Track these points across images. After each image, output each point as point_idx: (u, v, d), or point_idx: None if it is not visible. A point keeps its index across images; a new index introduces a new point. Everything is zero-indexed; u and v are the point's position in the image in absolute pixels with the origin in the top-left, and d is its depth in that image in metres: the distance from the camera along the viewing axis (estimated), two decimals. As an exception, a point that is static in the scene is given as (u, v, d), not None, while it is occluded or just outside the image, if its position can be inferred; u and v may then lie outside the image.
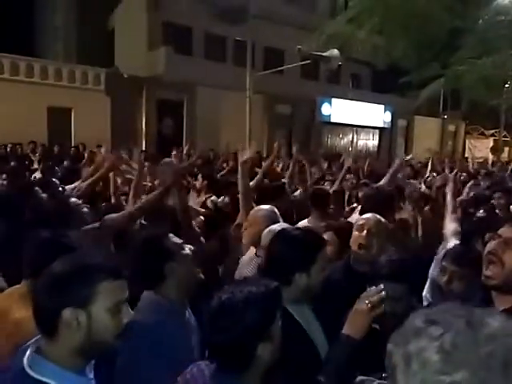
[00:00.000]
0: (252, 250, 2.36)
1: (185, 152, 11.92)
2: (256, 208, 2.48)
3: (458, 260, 1.89)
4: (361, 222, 2.16)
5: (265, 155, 14.84)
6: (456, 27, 3.90)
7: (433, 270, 2.51)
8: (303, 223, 3.37)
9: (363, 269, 1.99)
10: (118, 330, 1.12)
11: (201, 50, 15.13)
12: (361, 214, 3.07)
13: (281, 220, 2.33)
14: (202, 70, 13.54)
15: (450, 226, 2.67)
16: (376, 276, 1.68)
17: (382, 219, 2.20)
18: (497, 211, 4.06)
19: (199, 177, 5.14)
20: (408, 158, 4.64)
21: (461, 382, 0.47)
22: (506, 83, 5.08)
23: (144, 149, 12.58)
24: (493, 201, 4.33)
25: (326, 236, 2.34)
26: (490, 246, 1.32)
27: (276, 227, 2.00)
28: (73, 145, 11.31)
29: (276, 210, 2.37)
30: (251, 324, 1.10)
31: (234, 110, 13.75)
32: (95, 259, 1.15)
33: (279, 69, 13.81)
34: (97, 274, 1.10)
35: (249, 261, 2.32)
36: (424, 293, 2.38)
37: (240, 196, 2.99)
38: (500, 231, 1.33)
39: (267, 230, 2.06)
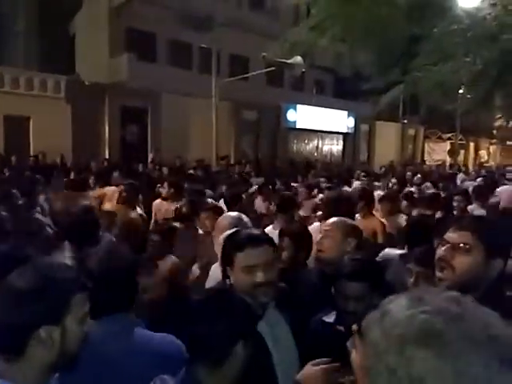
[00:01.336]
0: None
1: (150, 160, 11.72)
2: (223, 215, 2.46)
3: (421, 261, 1.94)
4: (321, 228, 2.20)
5: (232, 161, 14.87)
6: (414, 34, 4.06)
7: None
8: (269, 229, 3.37)
9: (330, 271, 2.01)
10: (83, 338, 1.09)
11: (165, 57, 14.97)
12: (323, 217, 3.12)
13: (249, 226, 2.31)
14: (166, 76, 13.40)
15: None
16: (339, 276, 1.71)
17: (340, 221, 2.23)
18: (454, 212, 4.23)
19: (165, 184, 5.06)
20: None
21: (430, 311, 0.56)
22: (461, 89, 5.33)
23: (107, 157, 12.28)
24: (454, 203, 4.53)
25: (281, 241, 2.36)
26: (440, 252, 1.36)
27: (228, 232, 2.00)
28: (31, 154, 10.88)
29: (243, 217, 2.35)
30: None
31: (201, 117, 13.67)
32: (66, 272, 1.10)
33: (245, 76, 13.89)
34: (71, 287, 1.07)
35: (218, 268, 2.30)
36: None
37: None
38: (446, 237, 1.37)
39: (220, 237, 2.06)
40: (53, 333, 1.01)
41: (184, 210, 3.78)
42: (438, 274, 1.36)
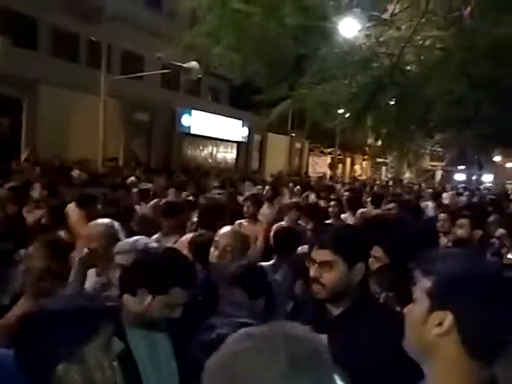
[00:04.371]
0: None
1: (24, 157, 10.43)
2: (93, 223, 2.27)
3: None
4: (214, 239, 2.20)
5: (121, 163, 14.05)
6: (301, 54, 4.34)
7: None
8: (155, 237, 3.26)
9: (218, 281, 2.00)
10: None
11: (48, 46, 13.59)
12: (198, 223, 3.13)
13: (122, 233, 2.18)
14: (47, 67, 12.16)
15: None
16: (222, 281, 1.72)
17: (230, 231, 2.25)
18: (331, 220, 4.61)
19: (37, 185, 4.56)
20: None
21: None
22: (340, 108, 5.87)
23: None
24: (330, 209, 4.94)
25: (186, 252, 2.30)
26: (311, 271, 1.49)
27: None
28: None
29: (115, 224, 2.21)
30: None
31: (87, 114, 12.70)
32: None
33: (137, 75, 13.33)
34: None
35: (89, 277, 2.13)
36: None
37: None
38: (313, 255, 1.50)
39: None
40: None
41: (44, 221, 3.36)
42: (313, 289, 1.49)
